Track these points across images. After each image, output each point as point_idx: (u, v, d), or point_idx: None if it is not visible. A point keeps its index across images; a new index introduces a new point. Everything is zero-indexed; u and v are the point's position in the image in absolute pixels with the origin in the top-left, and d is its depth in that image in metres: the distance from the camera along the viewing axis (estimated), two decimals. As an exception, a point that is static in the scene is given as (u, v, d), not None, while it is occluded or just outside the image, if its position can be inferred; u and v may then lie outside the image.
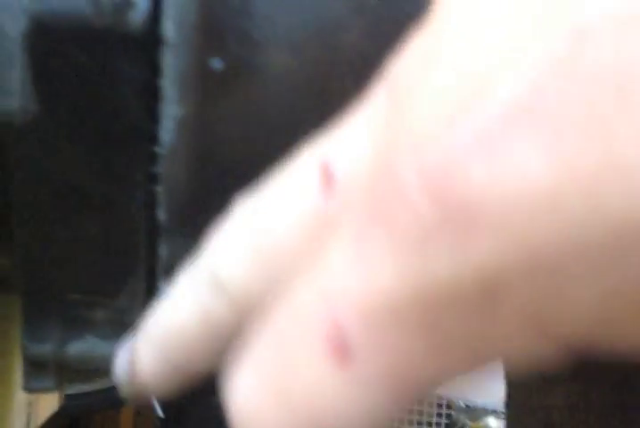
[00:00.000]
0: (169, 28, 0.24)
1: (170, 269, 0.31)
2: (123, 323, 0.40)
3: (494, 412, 2.02)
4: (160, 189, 0.28)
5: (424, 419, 2.39)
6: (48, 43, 0.30)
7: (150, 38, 0.31)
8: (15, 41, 0.30)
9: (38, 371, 0.39)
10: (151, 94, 0.33)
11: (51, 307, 0.38)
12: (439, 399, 2.35)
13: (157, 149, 0.36)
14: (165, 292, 0.33)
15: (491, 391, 1.60)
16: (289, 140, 0.27)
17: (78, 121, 0.33)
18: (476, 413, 2.02)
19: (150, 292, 0.42)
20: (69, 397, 1.36)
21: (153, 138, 0.35)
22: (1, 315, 0.54)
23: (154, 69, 0.32)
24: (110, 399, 1.84)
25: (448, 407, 2.27)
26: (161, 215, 0.29)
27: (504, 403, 0.83)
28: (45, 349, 0.39)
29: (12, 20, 0.30)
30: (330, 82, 0.24)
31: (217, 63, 0.24)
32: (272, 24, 0.24)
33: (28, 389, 0.40)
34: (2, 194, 0.36)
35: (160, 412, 1.52)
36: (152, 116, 0.34)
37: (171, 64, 0.24)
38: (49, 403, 0.94)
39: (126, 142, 0.34)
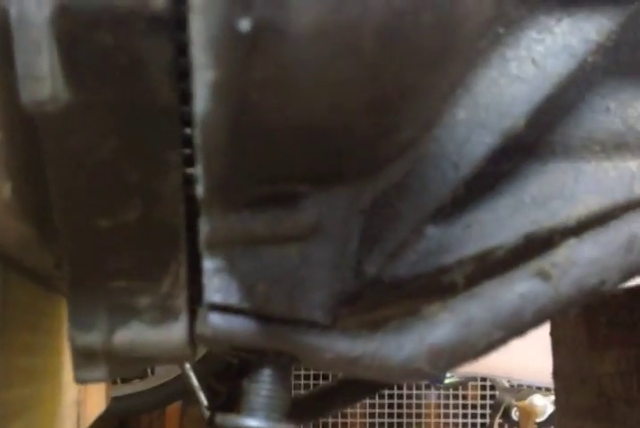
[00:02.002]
0: None
1: (213, 245, 0.31)
2: (168, 308, 0.40)
3: (539, 390, 2.01)
4: (197, 163, 0.27)
5: (469, 402, 2.39)
6: (73, 28, 0.30)
7: (174, 16, 0.31)
8: (41, 27, 0.30)
9: (88, 361, 0.40)
10: (180, 75, 0.33)
11: (96, 295, 0.38)
12: (483, 381, 2.34)
13: (189, 130, 0.36)
14: (209, 270, 0.33)
15: (536, 369, 1.59)
16: (323, 103, 0.27)
17: (109, 107, 0.33)
18: (521, 392, 2.01)
19: (193, 275, 0.42)
20: (115, 399, 1.37)
21: (186, 119, 0.35)
22: (48, 313, 0.54)
23: (180, 49, 0.32)
24: (155, 399, 1.86)
25: (492, 388, 2.26)
26: (200, 190, 0.29)
27: (552, 376, 0.82)
28: (93, 338, 0.39)
29: (36, 6, 0.30)
30: (361, 39, 0.24)
31: (244, 25, 0.23)
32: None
33: (80, 380, 0.40)
34: (42, 188, 0.36)
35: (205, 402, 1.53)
36: (182, 97, 0.34)
37: (199, 29, 0.24)
38: (96, 402, 0.95)
39: (158, 124, 0.34)
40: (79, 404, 0.78)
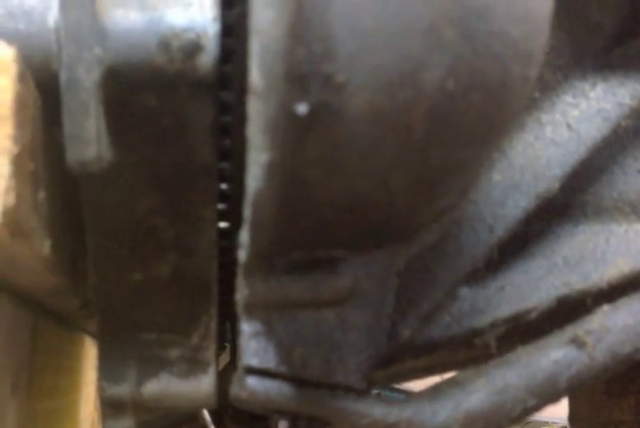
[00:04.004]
0: (256, 76, 0.24)
1: (251, 309, 0.31)
2: (197, 360, 0.40)
3: (547, 423, 1.99)
4: (243, 233, 0.28)
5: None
6: (121, 91, 0.31)
7: (218, 79, 0.31)
8: (90, 91, 0.30)
9: (117, 411, 0.40)
10: (219, 132, 0.33)
11: (126, 347, 0.38)
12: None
13: (225, 185, 0.36)
14: (246, 333, 0.33)
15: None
16: (370, 179, 0.27)
17: (149, 166, 0.33)
18: (529, 425, 1.99)
19: (222, 330, 0.42)
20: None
21: (222, 176, 0.35)
22: (68, 354, 0.54)
23: (221, 108, 0.33)
24: (162, 425, 1.86)
25: (498, 419, 2.24)
26: (242, 256, 0.29)
27: (568, 419, 0.82)
28: (123, 389, 0.39)
29: (86, 70, 0.30)
30: (412, 120, 0.24)
31: (302, 108, 0.24)
32: (354, 66, 0.24)
33: (108, 430, 0.40)
34: (77, 242, 0.37)
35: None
36: (221, 153, 0.34)
37: (258, 112, 0.24)
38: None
39: (196, 181, 0.34)
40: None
